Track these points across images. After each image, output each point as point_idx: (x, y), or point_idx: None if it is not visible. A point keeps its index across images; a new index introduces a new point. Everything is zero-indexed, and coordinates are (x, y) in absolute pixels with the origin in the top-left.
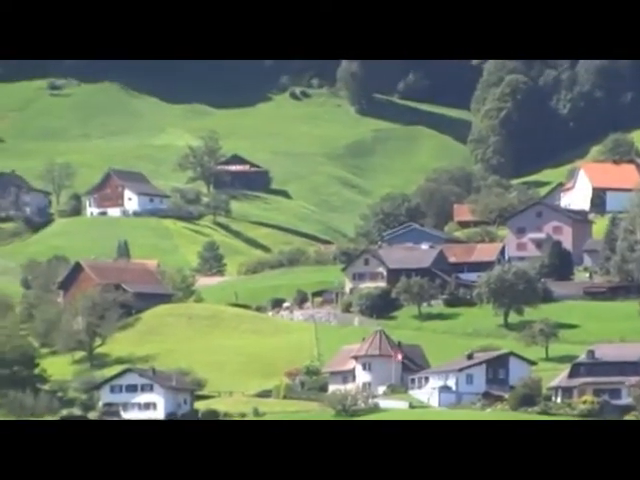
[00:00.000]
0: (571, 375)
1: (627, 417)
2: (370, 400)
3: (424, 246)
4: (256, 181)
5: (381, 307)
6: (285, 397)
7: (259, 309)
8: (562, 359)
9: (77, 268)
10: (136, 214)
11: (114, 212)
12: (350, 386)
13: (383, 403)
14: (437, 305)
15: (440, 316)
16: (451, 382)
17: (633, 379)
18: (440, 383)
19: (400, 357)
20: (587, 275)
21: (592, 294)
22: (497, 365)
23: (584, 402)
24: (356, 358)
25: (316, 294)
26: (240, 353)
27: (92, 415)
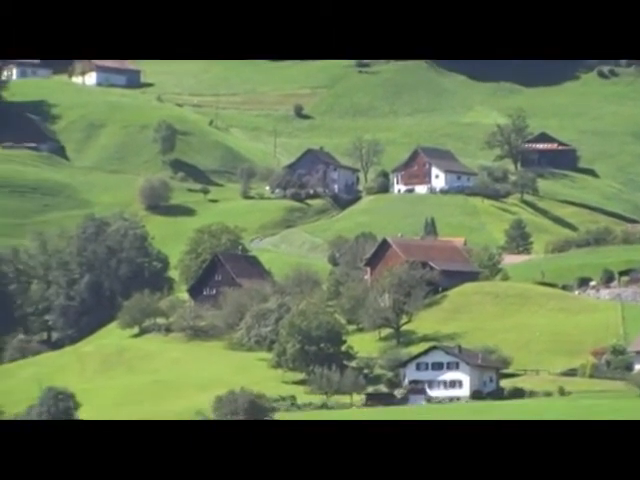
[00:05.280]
0: None
1: None
2: None
3: None
4: (563, 159)
5: None
6: (591, 376)
7: (565, 288)
8: None
9: (384, 245)
10: (443, 192)
11: (421, 189)
12: None
13: None
14: None
15: None
16: None
17: None
18: None
19: None
20: None
21: None
22: None
23: None
24: None
25: (623, 273)
26: (546, 331)
27: (398, 392)
